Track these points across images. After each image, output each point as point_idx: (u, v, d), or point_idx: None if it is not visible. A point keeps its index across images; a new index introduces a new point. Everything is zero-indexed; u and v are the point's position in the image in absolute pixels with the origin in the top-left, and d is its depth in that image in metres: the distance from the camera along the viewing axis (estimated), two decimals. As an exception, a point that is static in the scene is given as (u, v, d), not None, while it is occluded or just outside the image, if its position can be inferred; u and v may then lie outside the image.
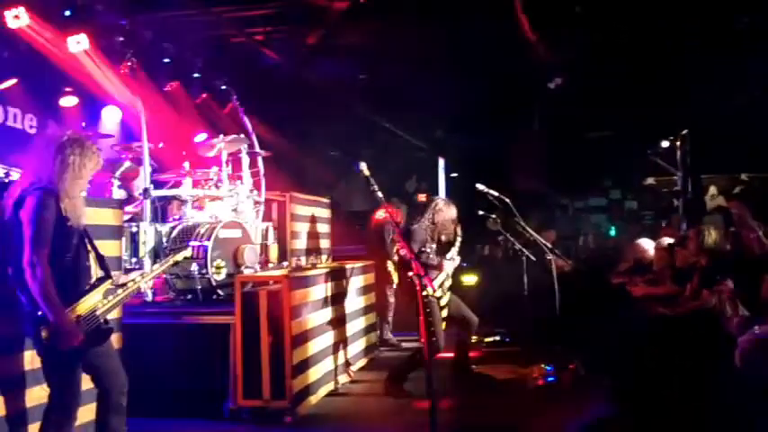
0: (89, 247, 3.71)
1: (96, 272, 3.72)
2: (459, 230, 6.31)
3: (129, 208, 6.38)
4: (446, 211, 6.15)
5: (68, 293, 3.49)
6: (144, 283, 3.94)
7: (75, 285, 3.56)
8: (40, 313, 3.40)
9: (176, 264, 4.38)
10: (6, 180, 5.19)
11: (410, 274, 4.91)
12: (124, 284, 3.85)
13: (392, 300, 8.49)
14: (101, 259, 3.75)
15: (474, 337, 6.95)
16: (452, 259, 6.21)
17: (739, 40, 8.67)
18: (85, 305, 3.55)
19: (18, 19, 7.07)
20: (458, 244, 6.33)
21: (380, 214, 8.39)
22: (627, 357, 5.69)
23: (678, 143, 11.91)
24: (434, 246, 6.15)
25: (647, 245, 7.71)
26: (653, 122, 12.32)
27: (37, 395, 3.80)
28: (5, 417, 3.71)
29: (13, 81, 7.55)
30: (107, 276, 3.72)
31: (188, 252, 4.37)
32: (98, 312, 3.60)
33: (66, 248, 3.54)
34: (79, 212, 3.61)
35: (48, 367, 3.59)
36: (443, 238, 6.20)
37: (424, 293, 4.42)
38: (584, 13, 7.93)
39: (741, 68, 9.63)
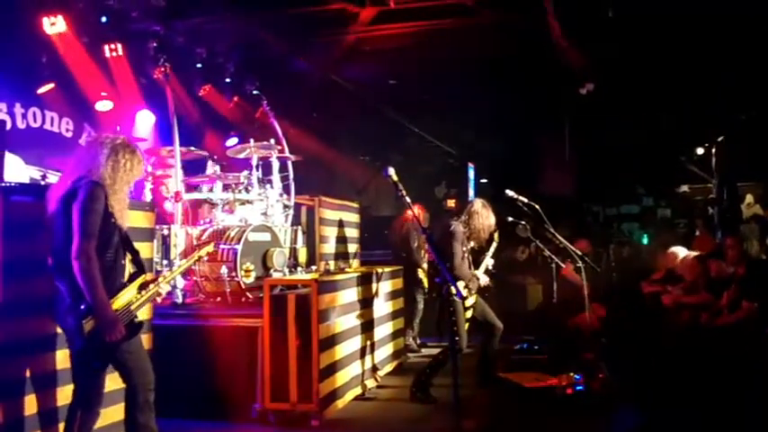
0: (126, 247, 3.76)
1: (130, 270, 3.78)
2: (496, 236, 6.28)
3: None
4: (483, 216, 6.09)
5: (106, 290, 3.51)
6: (171, 281, 3.96)
7: (112, 282, 3.60)
8: (82, 306, 3.44)
9: (200, 259, 4.39)
10: (43, 182, 5.31)
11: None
12: (154, 280, 3.89)
13: (421, 306, 8.47)
14: (135, 255, 3.81)
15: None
16: (486, 265, 6.20)
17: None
18: (121, 300, 3.60)
19: (55, 25, 7.25)
20: (492, 249, 6.29)
21: (411, 213, 8.35)
22: (658, 367, 5.59)
23: (713, 150, 11.68)
24: (469, 246, 6.12)
25: (681, 253, 7.57)
26: (688, 129, 12.11)
27: (67, 394, 3.85)
28: (38, 414, 3.77)
29: (50, 85, 7.72)
30: (141, 272, 3.77)
31: (210, 247, 4.38)
32: (132, 307, 3.66)
33: (109, 245, 3.59)
34: (124, 212, 3.70)
35: (78, 362, 3.62)
36: (472, 244, 6.16)
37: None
38: (617, 18, 7.83)
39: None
